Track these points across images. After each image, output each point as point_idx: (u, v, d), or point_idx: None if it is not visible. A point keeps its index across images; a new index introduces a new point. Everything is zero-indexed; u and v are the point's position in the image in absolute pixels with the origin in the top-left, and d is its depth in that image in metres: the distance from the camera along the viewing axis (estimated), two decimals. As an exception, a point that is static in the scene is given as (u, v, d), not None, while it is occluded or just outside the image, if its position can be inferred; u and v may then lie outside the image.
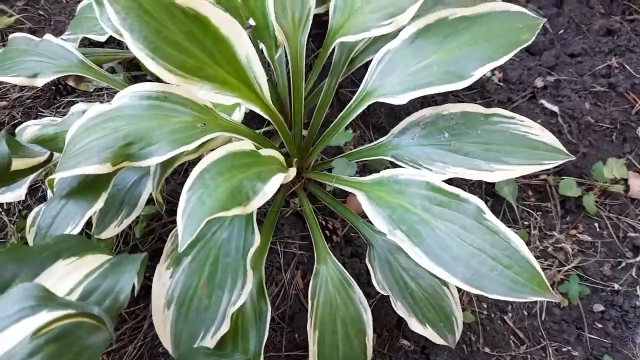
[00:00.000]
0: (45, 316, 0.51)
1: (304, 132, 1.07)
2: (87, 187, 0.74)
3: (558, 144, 0.82)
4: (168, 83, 0.71)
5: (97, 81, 1.05)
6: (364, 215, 1.09)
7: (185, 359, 0.73)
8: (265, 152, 0.80)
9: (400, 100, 0.80)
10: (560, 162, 0.81)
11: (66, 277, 0.61)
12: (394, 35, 0.87)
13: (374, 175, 0.78)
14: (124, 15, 0.67)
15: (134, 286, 0.64)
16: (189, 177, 0.68)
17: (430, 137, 0.86)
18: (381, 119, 1.15)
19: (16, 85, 1.21)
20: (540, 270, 0.63)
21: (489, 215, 0.66)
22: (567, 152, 0.82)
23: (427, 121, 0.86)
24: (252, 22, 0.88)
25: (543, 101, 1.21)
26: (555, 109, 1.20)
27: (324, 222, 1.05)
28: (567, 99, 1.21)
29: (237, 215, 0.83)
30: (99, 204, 0.71)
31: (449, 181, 0.77)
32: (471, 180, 1.17)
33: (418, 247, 0.67)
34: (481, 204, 0.66)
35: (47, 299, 0.53)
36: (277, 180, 0.72)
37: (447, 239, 0.67)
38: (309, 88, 1.06)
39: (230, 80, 0.74)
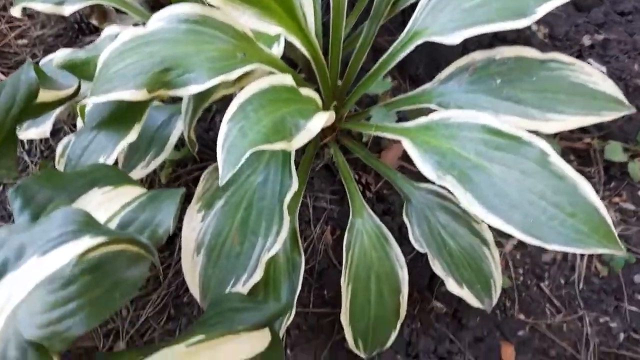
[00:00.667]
0: (88, 241, 0.47)
1: (339, 82, 1.01)
2: (120, 117, 0.69)
3: (620, 95, 0.76)
4: (208, 5, 0.66)
5: (123, 18, 1.00)
6: (401, 169, 1.04)
7: (217, 304, 0.69)
8: (305, 91, 0.75)
9: (454, 39, 0.74)
10: (621, 114, 0.75)
11: (102, 206, 0.57)
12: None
13: (421, 119, 0.72)
14: None
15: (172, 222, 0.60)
16: (229, 108, 0.63)
17: (480, 83, 0.80)
18: (420, 69, 1.09)
19: (37, 23, 1.16)
20: (609, 220, 0.58)
21: (555, 158, 0.60)
22: (628, 103, 0.76)
23: (477, 66, 0.80)
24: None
25: (590, 60, 1.14)
26: (603, 69, 1.13)
27: (357, 177, 1.00)
28: (615, 59, 1.14)
29: (273, 156, 0.79)
30: (132, 135, 0.67)
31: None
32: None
33: (470, 192, 0.62)
34: (546, 146, 0.61)
35: (89, 224, 0.49)
36: (320, 119, 0.67)
37: (504, 185, 0.61)
38: (347, 30, 1.00)
39: (273, 6, 0.69)
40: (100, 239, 0.47)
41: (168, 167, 0.99)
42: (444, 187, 0.65)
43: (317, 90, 0.93)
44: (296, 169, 0.95)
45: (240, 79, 0.73)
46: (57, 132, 1.05)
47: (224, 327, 0.63)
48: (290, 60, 1.07)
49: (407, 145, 0.71)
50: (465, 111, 0.67)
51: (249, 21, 0.67)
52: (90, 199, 0.55)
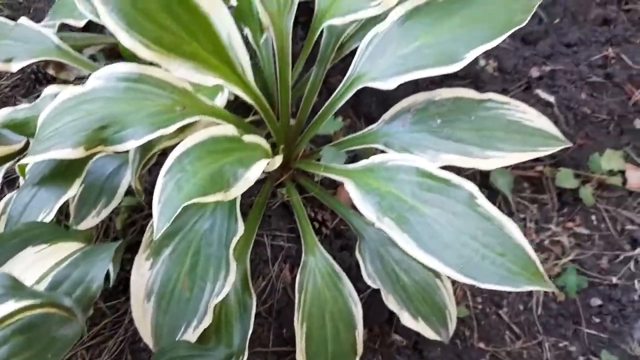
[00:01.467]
0: (12, 305, 0.48)
1: (292, 122, 1.04)
2: (60, 173, 0.70)
3: (555, 130, 0.79)
4: (144, 64, 0.68)
5: (79, 69, 1.01)
6: (354, 207, 1.05)
7: (166, 353, 0.69)
8: (249, 138, 0.77)
9: (390, 84, 0.77)
10: (557, 148, 0.78)
11: (35, 264, 0.57)
12: (383, 18, 0.84)
13: (363, 162, 0.75)
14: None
15: (108, 275, 0.61)
16: (166, 162, 0.64)
17: (422, 124, 0.82)
18: (372, 108, 1.12)
19: (-6, 75, 1.17)
20: (536, 258, 0.60)
21: (482, 200, 0.63)
22: (563, 138, 0.79)
23: (419, 107, 0.83)
24: (233, 1, 0.85)
25: (539, 91, 1.18)
26: (551, 99, 1.17)
27: (312, 214, 1.01)
28: (563, 89, 1.18)
29: (219, 203, 0.80)
30: (72, 190, 0.68)
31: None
32: (465, 171, 1.14)
33: (407, 234, 0.64)
34: (474, 189, 0.63)
35: (15, 287, 0.50)
36: (260, 166, 0.69)
37: (437, 227, 0.63)
38: (296, 76, 1.03)
39: (210, 59, 0.71)
40: (25, 303, 0.48)
41: (124, 213, 0.99)
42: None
43: (269, 134, 0.96)
44: (251, 207, 0.96)
45: (184, 129, 0.75)
46: (12, 183, 1.05)
47: (168, 379, 0.64)
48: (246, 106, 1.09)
49: (350, 187, 0.73)
50: (402, 154, 0.70)
51: (186, 74, 0.69)
52: (24, 257, 0.56)
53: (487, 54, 1.22)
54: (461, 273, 0.61)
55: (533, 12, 0.76)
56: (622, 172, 1.15)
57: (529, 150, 0.77)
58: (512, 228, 0.61)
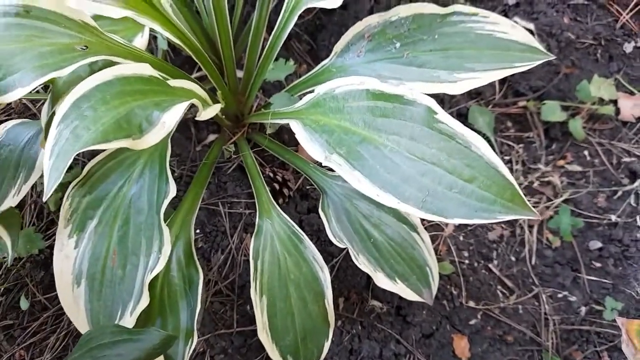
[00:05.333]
0: None
1: (241, 74, 0.91)
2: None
3: (533, 42, 0.67)
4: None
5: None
6: (317, 162, 0.94)
7: (90, 341, 0.58)
8: (177, 82, 0.65)
9: (335, 2, 0.65)
10: (537, 62, 0.66)
11: None
12: None
13: (309, 96, 0.63)
14: None
15: None
16: (60, 108, 0.52)
17: (379, 51, 0.71)
18: (330, 46, 1.00)
19: None
20: (512, 179, 0.49)
21: (442, 115, 0.51)
22: (544, 50, 0.67)
23: (374, 31, 0.71)
24: None
25: (516, 19, 1.06)
26: (531, 26, 1.05)
27: (271, 174, 0.90)
28: (543, 14, 1.06)
29: (147, 162, 0.68)
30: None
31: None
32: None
33: (358, 170, 0.53)
34: (432, 103, 0.52)
35: None
36: (180, 108, 0.57)
37: (395, 157, 0.52)
38: (237, 22, 0.91)
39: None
40: None
41: (57, 192, 0.87)
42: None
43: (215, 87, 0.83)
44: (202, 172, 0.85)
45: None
46: None
47: (90, 371, 0.53)
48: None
49: (296, 128, 0.61)
50: (350, 78, 0.58)
51: (83, 3, 0.57)
52: None
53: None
54: (424, 209, 0.50)
55: None
56: (614, 102, 1.04)
57: (504, 67, 0.66)
58: (480, 145, 0.50)
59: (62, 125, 0.51)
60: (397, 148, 0.52)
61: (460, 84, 0.66)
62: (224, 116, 0.87)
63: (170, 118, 0.55)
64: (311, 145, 0.58)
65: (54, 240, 0.67)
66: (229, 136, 0.91)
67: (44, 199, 0.47)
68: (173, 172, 0.91)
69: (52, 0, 0.57)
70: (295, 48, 1.03)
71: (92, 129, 0.51)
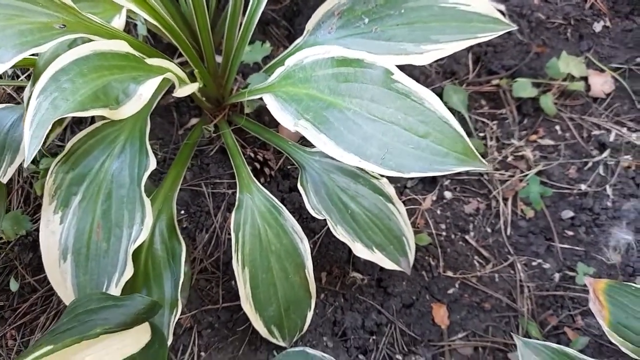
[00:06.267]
0: None
1: (220, 60, 0.94)
2: None
3: (495, 13, 0.70)
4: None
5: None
6: (303, 142, 0.97)
7: (77, 308, 0.61)
8: (154, 61, 0.67)
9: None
10: (499, 32, 0.70)
11: None
12: None
13: (279, 69, 0.66)
14: None
15: None
16: (39, 81, 0.55)
17: (349, 27, 0.74)
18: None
19: None
20: (464, 133, 0.52)
21: (399, 75, 0.54)
22: (507, 21, 0.70)
23: (343, 8, 0.74)
24: None
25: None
26: (502, 7, 1.09)
27: (252, 154, 0.92)
28: (513, -4, 1.10)
29: (128, 138, 0.71)
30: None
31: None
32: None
33: (324, 133, 0.56)
34: (390, 65, 0.55)
35: None
36: (155, 81, 0.59)
37: (357, 119, 0.55)
38: (214, 8, 0.93)
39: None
40: None
41: (43, 177, 0.89)
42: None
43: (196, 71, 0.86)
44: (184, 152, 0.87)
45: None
46: None
47: (78, 333, 0.55)
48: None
49: (268, 100, 0.64)
50: (316, 47, 0.61)
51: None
52: None
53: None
54: (383, 165, 0.53)
55: None
56: (585, 79, 1.08)
57: (468, 37, 0.69)
58: (433, 101, 0.53)
59: (41, 97, 0.54)
60: (359, 110, 0.55)
61: (426, 55, 0.69)
62: (204, 98, 0.90)
63: (147, 90, 0.58)
64: (282, 114, 0.61)
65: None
66: (210, 119, 0.94)
67: (25, 165, 0.49)
68: (156, 154, 0.93)
69: (31, -20, 0.60)
70: (273, 33, 1.06)
71: (70, 99, 0.54)
